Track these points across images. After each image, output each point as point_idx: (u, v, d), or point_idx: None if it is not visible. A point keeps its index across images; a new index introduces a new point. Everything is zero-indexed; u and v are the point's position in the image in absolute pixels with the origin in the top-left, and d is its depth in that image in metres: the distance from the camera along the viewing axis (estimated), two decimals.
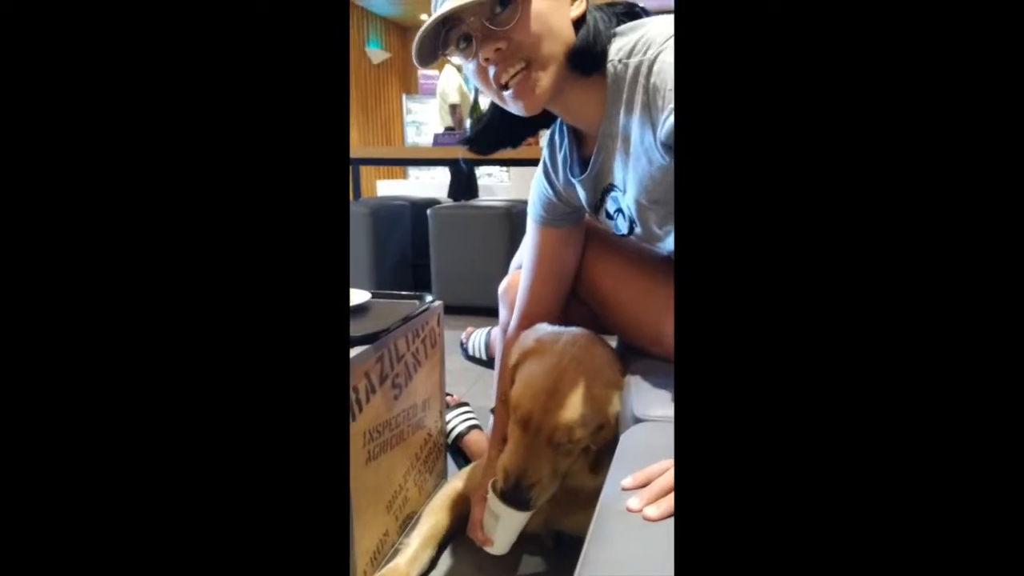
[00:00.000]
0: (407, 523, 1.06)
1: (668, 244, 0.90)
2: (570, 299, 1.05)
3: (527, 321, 1.02)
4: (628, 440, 0.74)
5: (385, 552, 0.99)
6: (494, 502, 0.87)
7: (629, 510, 0.54)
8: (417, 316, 1.07)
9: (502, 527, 0.89)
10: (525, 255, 1.02)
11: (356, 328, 0.94)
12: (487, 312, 2.25)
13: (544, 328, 0.96)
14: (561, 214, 0.97)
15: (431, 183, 5.18)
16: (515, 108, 0.78)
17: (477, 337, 1.85)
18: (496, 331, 1.79)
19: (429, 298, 1.15)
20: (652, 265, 0.99)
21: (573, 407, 0.83)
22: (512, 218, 2.39)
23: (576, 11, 0.77)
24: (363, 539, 0.90)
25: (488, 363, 1.78)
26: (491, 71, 0.75)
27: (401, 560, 0.95)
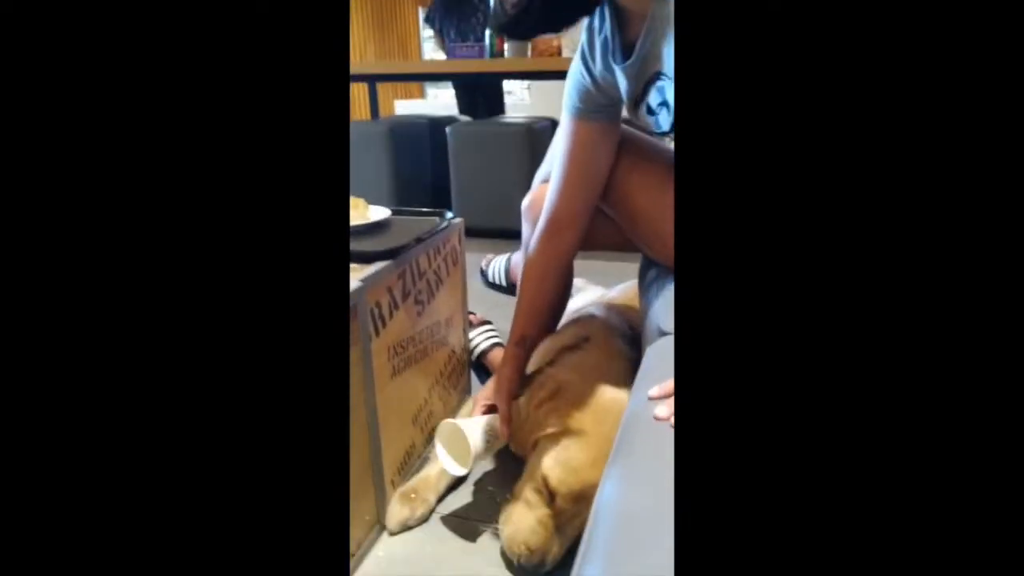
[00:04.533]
0: (432, 436, 1.09)
1: None
2: (596, 216, 1.01)
3: (554, 225, 0.98)
4: (653, 353, 0.73)
5: (412, 463, 1.01)
6: (438, 446, 0.91)
7: (656, 418, 0.54)
8: (438, 233, 1.05)
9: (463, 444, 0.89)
10: (557, 151, 0.97)
11: (377, 243, 0.93)
12: (507, 235, 2.22)
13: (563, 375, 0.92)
14: (598, 106, 0.92)
15: (451, 101, 5.03)
16: None
17: (497, 263, 1.82)
18: (516, 256, 1.74)
19: (449, 215, 1.13)
20: None
21: None
22: (533, 135, 2.32)
23: None
24: (390, 449, 0.92)
25: (508, 289, 1.76)
26: None
27: (431, 471, 0.97)
